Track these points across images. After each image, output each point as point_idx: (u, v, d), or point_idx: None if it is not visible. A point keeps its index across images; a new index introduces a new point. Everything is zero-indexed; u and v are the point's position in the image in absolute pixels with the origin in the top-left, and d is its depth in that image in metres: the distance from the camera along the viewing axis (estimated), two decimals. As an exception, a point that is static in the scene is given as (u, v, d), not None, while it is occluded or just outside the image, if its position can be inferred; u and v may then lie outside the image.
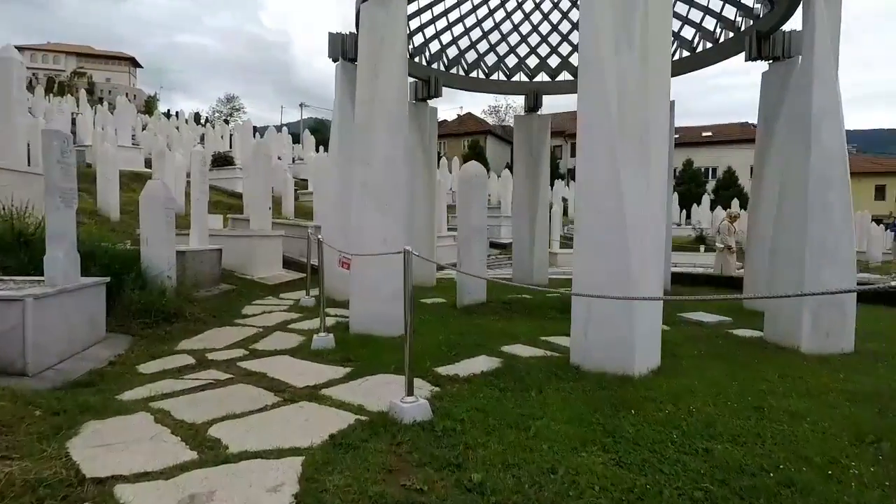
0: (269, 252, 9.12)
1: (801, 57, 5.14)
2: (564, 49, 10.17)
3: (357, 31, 6.85)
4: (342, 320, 5.84)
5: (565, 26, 10.04)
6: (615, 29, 4.09)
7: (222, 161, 15.89)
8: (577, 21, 9.92)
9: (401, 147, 5.11)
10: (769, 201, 7.25)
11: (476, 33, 9.89)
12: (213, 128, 34.95)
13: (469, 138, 48.80)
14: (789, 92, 5.13)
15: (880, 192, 43.83)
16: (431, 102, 9.54)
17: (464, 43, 9.88)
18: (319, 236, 5.03)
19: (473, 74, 10.12)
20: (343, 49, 7.43)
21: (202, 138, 26.96)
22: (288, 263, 9.98)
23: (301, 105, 53.75)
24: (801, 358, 4.69)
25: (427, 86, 9.29)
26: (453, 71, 9.95)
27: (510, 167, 36.37)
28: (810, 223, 4.93)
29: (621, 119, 4.04)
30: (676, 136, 12.16)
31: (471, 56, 10.04)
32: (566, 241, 17.49)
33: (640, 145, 4.04)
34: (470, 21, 9.77)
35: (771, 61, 7.31)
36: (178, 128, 28.06)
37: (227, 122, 55.57)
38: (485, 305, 6.95)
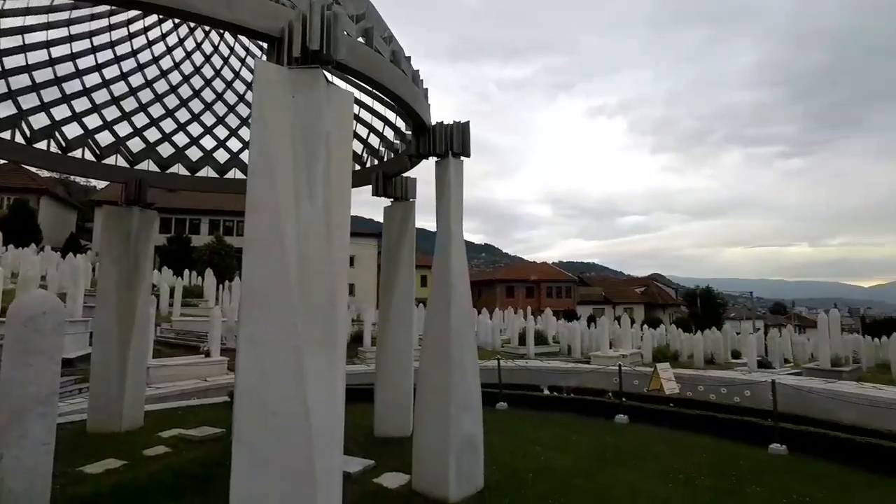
0: None
1: (438, 218, 5.66)
2: (181, 139, 8.65)
3: None
4: None
5: (183, 115, 8.61)
6: (296, 175, 3.34)
7: None
8: (199, 112, 8.72)
9: None
10: (395, 328, 7.73)
11: (52, 93, 7.24)
12: None
13: (11, 197, 36.73)
14: (437, 253, 5.53)
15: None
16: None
17: (29, 102, 7.04)
18: None
19: (42, 145, 7.27)
20: None
21: None
22: None
23: None
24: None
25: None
26: (6, 136, 6.89)
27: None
28: (453, 376, 5.24)
29: (304, 287, 3.23)
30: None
31: (40, 120, 7.23)
32: (159, 347, 14.59)
33: (328, 323, 3.30)
34: (42, 75, 7.09)
35: (393, 199, 8.05)
36: None
37: None
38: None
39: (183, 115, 8.62)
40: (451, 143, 5.79)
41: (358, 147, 8.45)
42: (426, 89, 6.06)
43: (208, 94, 8.70)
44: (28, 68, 6.93)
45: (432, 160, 6.03)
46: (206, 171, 8.83)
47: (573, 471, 5.97)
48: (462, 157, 5.90)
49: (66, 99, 7.40)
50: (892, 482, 5.68)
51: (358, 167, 8.50)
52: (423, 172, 6.39)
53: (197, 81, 8.57)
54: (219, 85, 8.70)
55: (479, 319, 24.00)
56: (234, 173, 8.90)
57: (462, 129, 5.85)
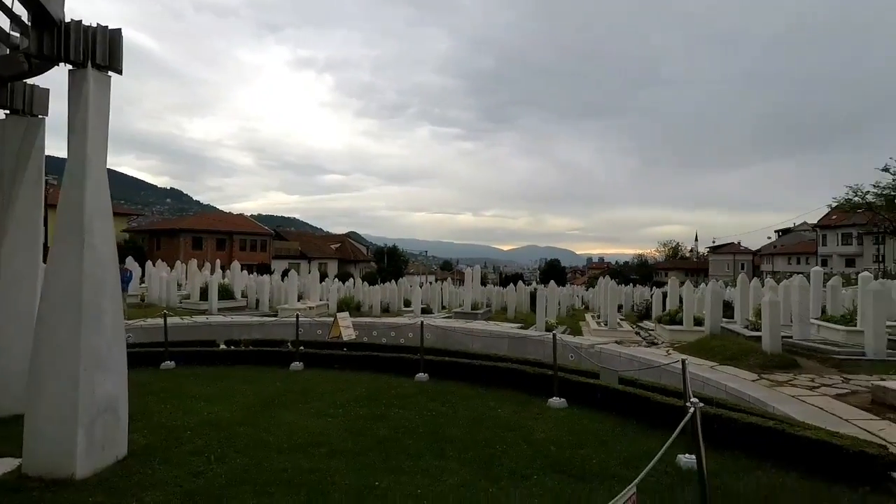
0: None
1: (69, 144, 4.54)
2: None
3: None
4: None
5: None
6: None
7: None
8: None
9: None
10: (8, 280, 6.01)
11: None
12: None
13: None
14: (65, 188, 4.42)
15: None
16: None
17: None
18: None
19: None
20: None
21: None
22: None
23: None
24: (85, 492, 4.06)
25: None
26: None
27: None
28: (84, 331, 4.40)
29: None
30: None
31: None
32: None
33: None
34: None
35: (9, 111, 6.14)
36: None
37: None
38: None
39: None
40: (94, 51, 4.68)
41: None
42: (56, -29, 4.70)
43: None
44: None
45: (67, 68, 4.78)
46: None
47: (237, 420, 5.89)
48: (110, 73, 4.87)
49: None
50: (493, 391, 7.44)
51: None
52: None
53: None
54: None
55: (151, 272, 21.01)
56: None
57: (110, 36, 4.79)
